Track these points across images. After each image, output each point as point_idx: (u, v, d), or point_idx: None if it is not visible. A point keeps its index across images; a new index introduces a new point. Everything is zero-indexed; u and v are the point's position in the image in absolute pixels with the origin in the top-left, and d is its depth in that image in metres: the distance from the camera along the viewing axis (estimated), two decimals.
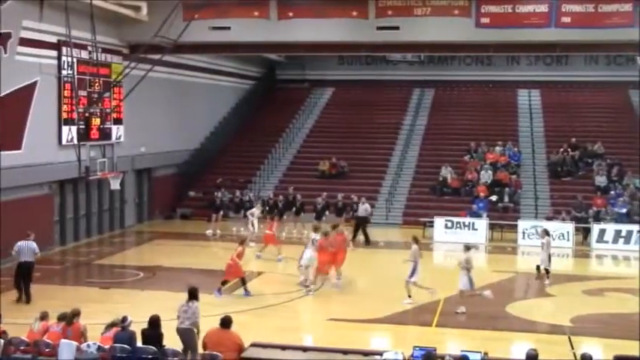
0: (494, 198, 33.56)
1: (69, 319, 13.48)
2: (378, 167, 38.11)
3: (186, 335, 13.71)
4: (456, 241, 29.74)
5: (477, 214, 31.39)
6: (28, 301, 19.74)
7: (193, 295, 13.76)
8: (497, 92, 44.51)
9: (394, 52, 40.03)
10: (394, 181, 36.89)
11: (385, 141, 40.21)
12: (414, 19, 28.75)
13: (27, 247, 20.22)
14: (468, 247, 20.21)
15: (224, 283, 20.60)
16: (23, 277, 20.00)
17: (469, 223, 30.63)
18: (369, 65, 46.98)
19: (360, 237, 29.51)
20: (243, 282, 20.65)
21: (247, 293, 20.46)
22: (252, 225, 28.54)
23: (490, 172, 35.25)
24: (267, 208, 32.20)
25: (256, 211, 29.13)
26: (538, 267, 22.92)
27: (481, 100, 43.74)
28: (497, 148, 37.13)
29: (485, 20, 28.52)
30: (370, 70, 46.86)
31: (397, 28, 28.86)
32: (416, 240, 20.46)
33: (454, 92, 45.55)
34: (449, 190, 35.20)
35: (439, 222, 30.73)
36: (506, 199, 33.69)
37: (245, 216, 30.53)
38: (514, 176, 35.30)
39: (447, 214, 31.56)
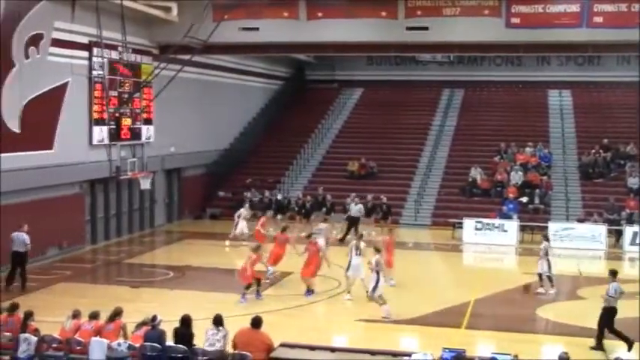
0: (524, 199, 33.26)
1: (111, 316, 13.60)
2: (407, 168, 37.98)
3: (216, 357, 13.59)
4: (486, 242, 29.67)
5: (507, 216, 31.14)
6: (22, 286, 21.00)
7: (219, 322, 13.24)
8: (527, 93, 44.14)
9: (423, 52, 39.89)
10: (423, 181, 36.74)
11: (414, 141, 40.07)
12: (443, 20, 28.62)
13: (18, 238, 21.27)
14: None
15: (247, 287, 20.57)
16: (16, 265, 21.27)
17: (499, 224, 30.38)
18: (398, 65, 46.84)
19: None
20: (258, 283, 20.52)
21: (258, 295, 20.28)
22: (236, 226, 28.62)
23: (520, 173, 34.96)
24: (295, 208, 32.35)
25: (244, 211, 29.13)
26: (540, 275, 21.78)
27: (511, 100, 43.42)
28: (528, 149, 36.83)
29: (515, 20, 28.29)
30: (399, 71, 46.71)
31: (426, 28, 28.74)
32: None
33: (484, 93, 45.27)
34: (478, 191, 34.98)
35: (469, 223, 30.52)
36: (536, 200, 33.39)
37: (275, 216, 30.60)
38: (545, 177, 34.98)
39: (477, 215, 31.35)
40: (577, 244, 28.84)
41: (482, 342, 17.01)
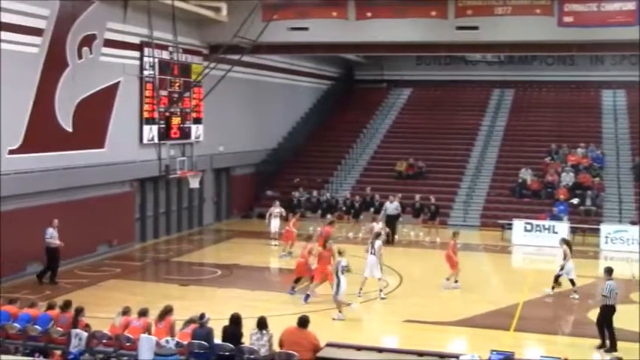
0: (575, 201, 32.78)
1: (161, 314, 13.72)
2: (456, 168, 37.71)
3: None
4: (536, 244, 29.31)
5: (557, 217, 30.70)
6: (50, 280, 21.82)
7: (263, 325, 13.13)
8: (579, 93, 43.52)
9: (473, 52, 39.54)
10: (472, 182, 36.44)
11: (463, 142, 39.76)
12: (494, 19, 28.32)
13: (47, 233, 21.82)
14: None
15: (296, 280, 20.69)
16: (48, 259, 22.03)
17: (549, 226, 29.95)
18: (447, 65, 46.57)
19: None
20: (312, 281, 20.59)
21: (312, 293, 20.22)
22: (269, 224, 28.85)
23: (572, 174, 34.47)
24: (343, 208, 32.37)
25: (275, 209, 29.19)
26: (557, 277, 21.57)
27: (563, 100, 42.83)
28: (580, 150, 36.28)
29: (568, 19, 27.86)
30: (449, 71, 46.44)
31: (477, 28, 28.49)
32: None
33: (535, 93, 44.73)
34: (528, 192, 34.56)
35: (518, 224, 30.17)
36: (588, 202, 32.88)
37: (323, 216, 30.64)
38: (597, 179, 34.39)
39: (527, 216, 30.96)
40: (630, 247, 28.32)
41: (531, 345, 16.78)
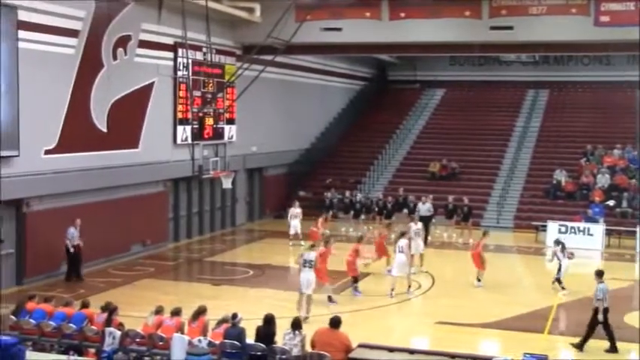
0: (611, 203, 32.37)
1: (195, 314, 13.81)
2: (490, 169, 37.45)
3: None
4: (570, 246, 28.93)
5: (592, 219, 30.35)
6: (75, 279, 22.10)
7: (297, 325, 13.18)
8: (616, 93, 42.91)
9: (508, 52, 39.23)
10: (506, 183, 36.15)
11: (497, 143, 39.48)
12: (528, 19, 28.07)
13: (69, 233, 22.07)
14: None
15: (355, 281, 20.87)
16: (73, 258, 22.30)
17: (584, 228, 29.58)
18: (481, 66, 46.31)
19: None
20: (355, 280, 20.78)
21: (357, 292, 20.63)
22: (289, 225, 28.87)
23: (607, 176, 34.04)
24: (376, 208, 32.34)
25: (295, 210, 29.17)
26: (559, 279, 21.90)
27: (599, 101, 42.32)
28: (616, 152, 35.82)
29: (605, 19, 27.52)
30: (482, 71, 46.17)
31: (511, 27, 28.27)
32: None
33: (570, 93, 44.27)
34: (563, 194, 34.21)
35: (552, 226, 29.83)
36: (624, 204, 32.45)
37: (355, 217, 30.61)
38: (633, 181, 33.91)
39: (561, 218, 30.61)
40: None
41: (565, 348, 16.59)
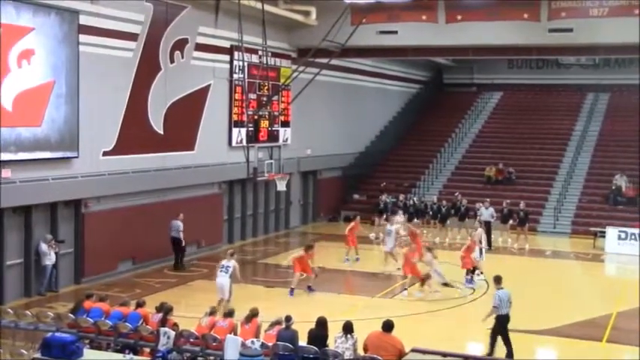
0: None
1: (249, 316, 13.94)
2: (547, 174, 36.88)
3: None
4: (630, 253, 28.36)
5: None
6: (180, 267, 24.20)
7: (349, 329, 12.97)
8: None
9: (567, 55, 38.47)
10: (563, 188, 35.55)
11: (555, 147, 38.86)
12: (588, 21, 27.53)
13: (173, 225, 24.07)
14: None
15: (422, 282, 21.42)
16: (175, 249, 24.33)
17: None
18: (539, 69, 45.67)
19: None
20: (422, 282, 21.40)
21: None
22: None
23: None
24: (430, 212, 32.13)
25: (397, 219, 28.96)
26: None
27: None
28: None
29: None
30: (541, 74, 45.54)
31: (570, 30, 27.75)
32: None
33: (631, 96, 43.32)
34: (623, 199, 33.53)
35: (612, 232, 29.26)
36: None
37: (409, 220, 30.36)
38: None
39: (621, 224, 30.04)
40: None
41: (624, 357, 16.23)
